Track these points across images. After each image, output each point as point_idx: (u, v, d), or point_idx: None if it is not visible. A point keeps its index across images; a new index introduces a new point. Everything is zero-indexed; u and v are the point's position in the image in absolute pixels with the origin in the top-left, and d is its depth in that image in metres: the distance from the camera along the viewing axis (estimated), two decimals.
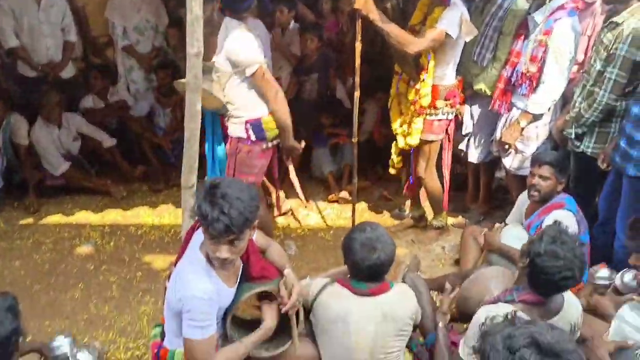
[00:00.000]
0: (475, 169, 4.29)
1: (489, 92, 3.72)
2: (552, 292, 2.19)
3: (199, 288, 2.01)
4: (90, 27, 5.16)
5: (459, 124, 4.13)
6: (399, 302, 2.38)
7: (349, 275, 2.42)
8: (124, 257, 3.91)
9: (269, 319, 2.25)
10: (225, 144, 3.41)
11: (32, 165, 4.67)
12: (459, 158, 5.08)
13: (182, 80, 3.03)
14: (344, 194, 4.64)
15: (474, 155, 4.06)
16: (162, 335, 2.31)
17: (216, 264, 2.07)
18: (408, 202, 4.39)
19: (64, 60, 4.80)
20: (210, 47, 2.99)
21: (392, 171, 4.06)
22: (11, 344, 1.89)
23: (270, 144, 3.31)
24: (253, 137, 3.23)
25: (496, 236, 3.25)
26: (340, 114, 5.04)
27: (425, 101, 3.55)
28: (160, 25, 5.18)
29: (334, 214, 4.56)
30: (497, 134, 3.74)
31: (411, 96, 3.62)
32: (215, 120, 3.38)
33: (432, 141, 3.72)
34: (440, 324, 2.49)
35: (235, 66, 3.05)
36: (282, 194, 4.29)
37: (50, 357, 2.52)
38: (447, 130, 3.77)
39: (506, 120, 3.67)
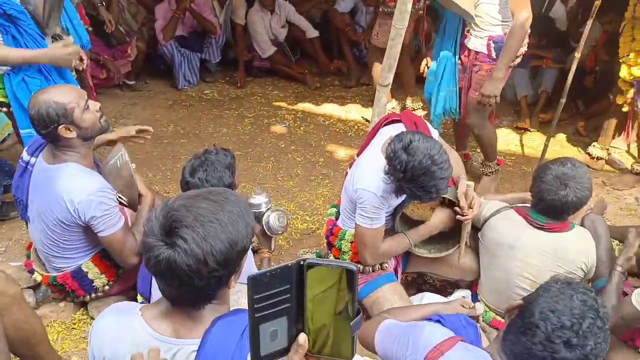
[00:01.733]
0: None
1: None
2: None
3: (375, 185, 2.16)
4: None
5: None
6: (575, 246, 2.29)
7: (528, 205, 2.38)
8: (310, 142, 4.26)
9: (436, 219, 2.35)
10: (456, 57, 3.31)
11: (244, 45, 5.17)
12: None
13: None
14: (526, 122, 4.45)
15: None
16: (337, 214, 2.57)
17: None
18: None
19: None
20: None
21: (624, 107, 3.60)
22: None
23: (511, 63, 3.10)
24: (494, 55, 3.07)
25: None
26: (550, 34, 4.63)
27: None
28: None
29: (518, 140, 4.37)
30: None
31: None
32: (459, 28, 3.23)
33: None
34: (619, 268, 2.35)
35: None
36: None
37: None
38: None
39: None
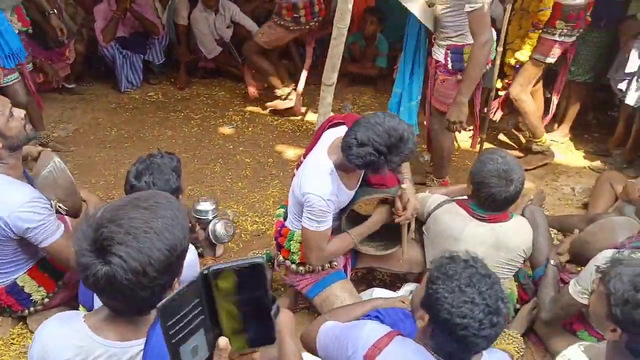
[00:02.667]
0: (629, 113, 3.92)
1: None
2: None
3: (322, 189, 2.17)
4: None
5: (623, 61, 3.75)
6: (515, 234, 2.39)
7: (467, 197, 2.45)
8: (259, 143, 4.24)
9: (375, 216, 2.39)
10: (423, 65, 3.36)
11: (187, 46, 5.08)
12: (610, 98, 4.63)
13: None
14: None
15: (632, 98, 3.70)
16: (285, 215, 2.56)
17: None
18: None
19: None
20: None
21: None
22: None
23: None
24: (450, 66, 3.05)
25: (637, 188, 3.03)
26: None
27: (543, 15, 3.37)
28: None
29: (461, 135, 4.48)
30: None
31: (532, 7, 3.44)
32: (421, 32, 3.28)
33: (536, 60, 3.54)
34: (552, 262, 2.47)
35: None
36: None
37: (194, 217, 2.87)
38: (566, 56, 3.61)
39: None
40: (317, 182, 2.19)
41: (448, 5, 2.92)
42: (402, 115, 3.51)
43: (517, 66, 3.72)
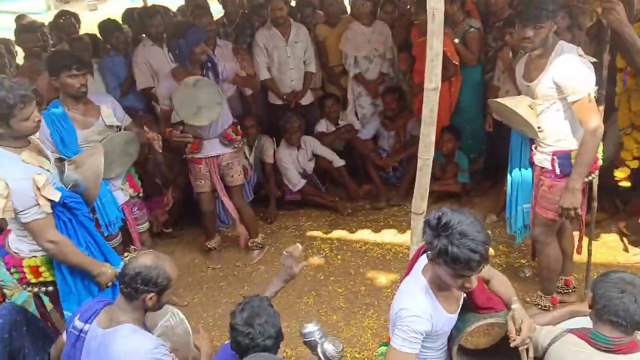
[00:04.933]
0: None
1: None
2: None
3: (414, 304, 2.10)
4: (328, 58, 5.66)
5: None
6: None
7: (581, 320, 2.25)
8: (349, 271, 4.21)
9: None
10: (531, 171, 3.30)
11: (274, 182, 5.34)
12: None
13: (497, 99, 3.17)
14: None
15: None
16: None
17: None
18: None
19: (304, 89, 5.39)
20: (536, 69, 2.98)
21: (623, 182, 3.63)
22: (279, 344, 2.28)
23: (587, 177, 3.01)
24: (557, 171, 3.02)
25: None
26: None
27: None
28: (387, 53, 5.47)
29: None
30: None
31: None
32: (524, 142, 3.29)
33: None
34: None
35: (561, 92, 2.91)
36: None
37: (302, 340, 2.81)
38: None
39: None
40: (410, 298, 2.13)
41: (547, 103, 2.93)
42: (520, 215, 3.45)
43: None
